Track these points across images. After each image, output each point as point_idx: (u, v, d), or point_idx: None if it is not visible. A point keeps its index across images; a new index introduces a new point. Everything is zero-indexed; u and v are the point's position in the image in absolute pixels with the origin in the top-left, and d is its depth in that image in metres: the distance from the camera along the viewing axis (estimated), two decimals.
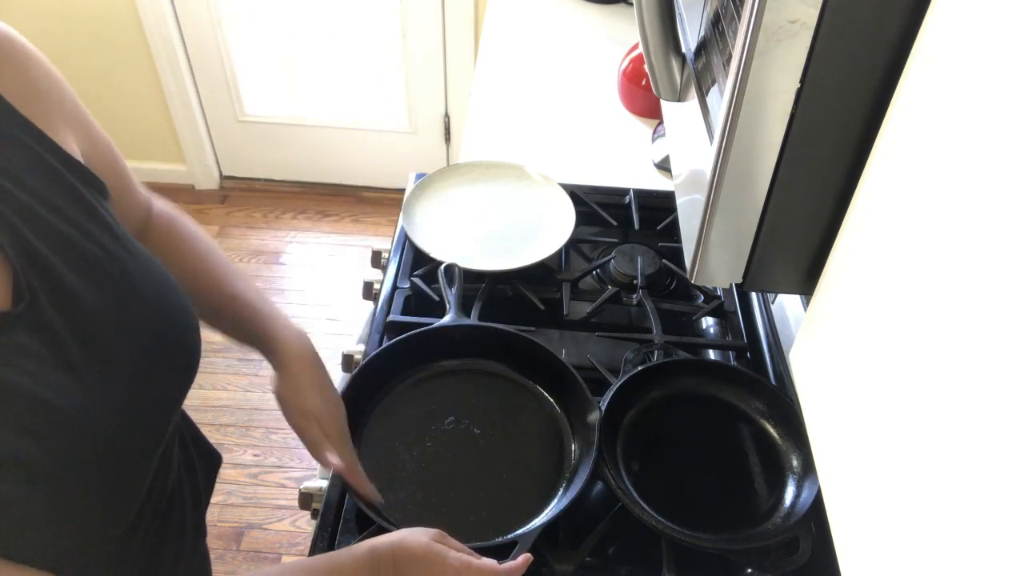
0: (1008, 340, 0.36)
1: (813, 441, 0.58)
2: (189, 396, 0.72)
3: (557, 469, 0.94)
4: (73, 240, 0.59)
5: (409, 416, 1.00)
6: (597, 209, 1.34)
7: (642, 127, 1.61)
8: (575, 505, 0.87)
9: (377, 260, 1.30)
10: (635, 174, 1.49)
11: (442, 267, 1.12)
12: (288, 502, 1.96)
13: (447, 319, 1.05)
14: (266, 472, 2.02)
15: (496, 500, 0.92)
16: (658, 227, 1.34)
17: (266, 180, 2.90)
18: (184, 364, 0.69)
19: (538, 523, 0.86)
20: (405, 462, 0.95)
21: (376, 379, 1.01)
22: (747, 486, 0.94)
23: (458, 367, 1.05)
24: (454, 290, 1.09)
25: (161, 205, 0.84)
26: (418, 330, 1.04)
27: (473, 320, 1.07)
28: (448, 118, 2.66)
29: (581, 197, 1.34)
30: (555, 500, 0.90)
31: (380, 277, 1.24)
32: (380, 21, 2.50)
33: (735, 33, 0.54)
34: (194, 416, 0.87)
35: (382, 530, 0.82)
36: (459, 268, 1.12)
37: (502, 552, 0.83)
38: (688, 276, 0.67)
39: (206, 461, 0.85)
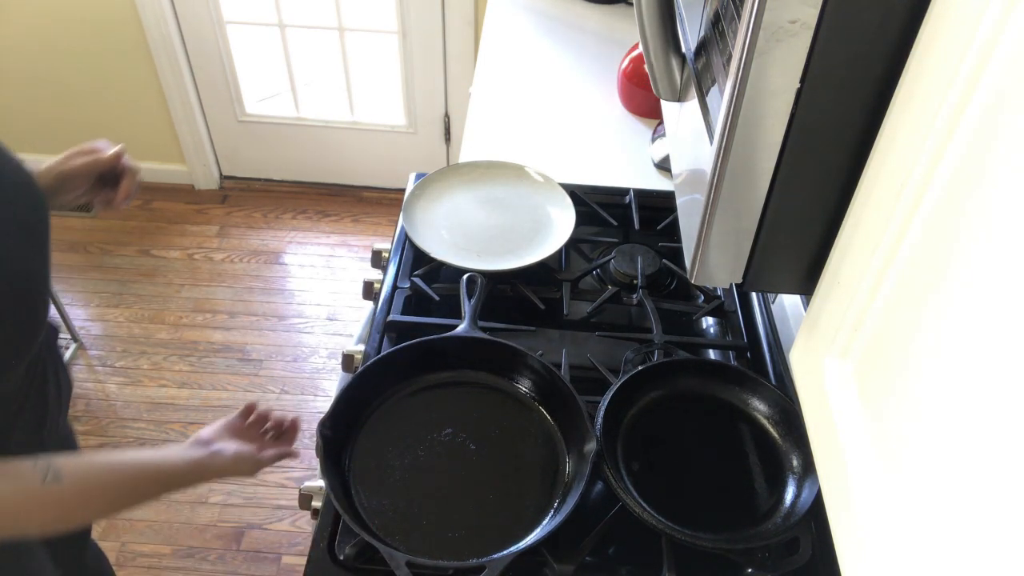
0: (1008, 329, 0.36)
1: (813, 443, 0.58)
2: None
3: (546, 496, 0.93)
4: None
5: (407, 423, 0.99)
6: (597, 209, 1.34)
7: (642, 127, 1.61)
8: (572, 513, 0.87)
9: (377, 260, 1.30)
10: (635, 174, 1.49)
11: (464, 277, 1.11)
12: (288, 502, 1.96)
13: (461, 329, 1.04)
14: (266, 472, 2.01)
15: (478, 519, 0.90)
16: (658, 227, 1.34)
17: (266, 180, 2.90)
18: (41, 213, 0.85)
19: (513, 550, 0.84)
20: (395, 468, 0.94)
21: (379, 381, 1.00)
22: (747, 486, 0.94)
23: (464, 379, 1.04)
24: (473, 301, 1.08)
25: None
26: (429, 337, 1.03)
27: (486, 334, 1.05)
28: (448, 118, 2.66)
29: (581, 197, 1.34)
30: (537, 529, 0.89)
31: (380, 277, 1.24)
32: (380, 20, 2.50)
33: (735, 33, 0.54)
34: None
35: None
36: (482, 279, 1.11)
37: (471, 574, 0.82)
38: (688, 276, 0.67)
39: (66, 377, 0.99)
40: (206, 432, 0.93)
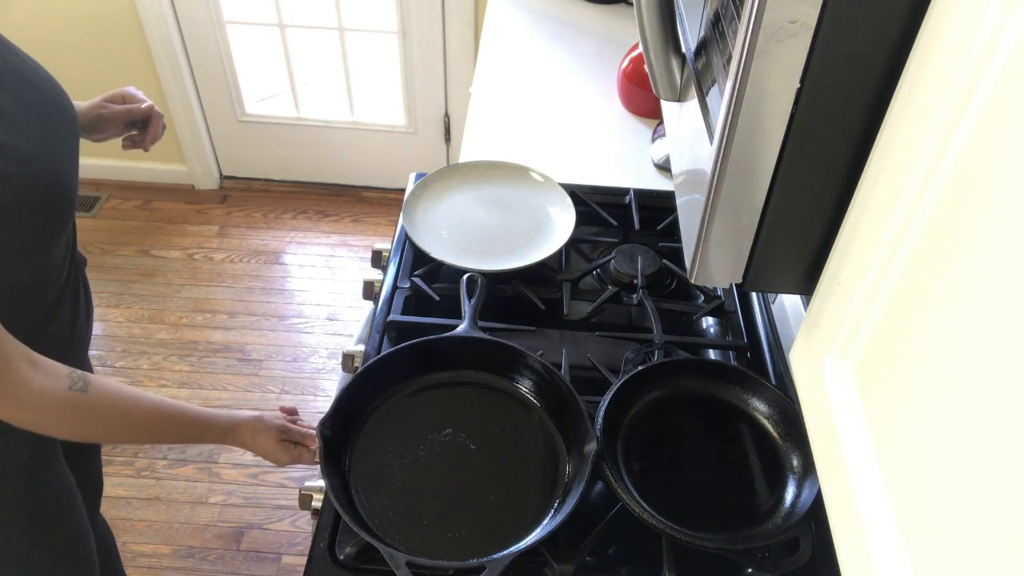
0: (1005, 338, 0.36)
1: (813, 443, 0.58)
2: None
3: (547, 496, 0.92)
4: None
5: (407, 423, 0.99)
6: (597, 209, 1.34)
7: (642, 127, 1.61)
8: (572, 513, 0.87)
9: (377, 260, 1.30)
10: (635, 174, 1.49)
11: (464, 277, 1.11)
12: (288, 502, 1.96)
13: (461, 329, 1.04)
14: (266, 472, 2.02)
15: (478, 519, 0.90)
16: (658, 227, 1.34)
17: (266, 180, 2.90)
18: (68, 113, 0.93)
19: (513, 550, 0.84)
20: (395, 469, 0.94)
21: (379, 381, 1.00)
22: (747, 486, 0.94)
23: (464, 379, 1.04)
24: (473, 301, 1.08)
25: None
26: (429, 337, 1.03)
27: (486, 334, 1.05)
28: (448, 118, 2.66)
29: (581, 197, 1.34)
30: (537, 529, 0.88)
31: (380, 277, 1.24)
32: (380, 20, 2.50)
33: (735, 33, 0.54)
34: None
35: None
36: (482, 279, 1.11)
37: (471, 574, 0.82)
38: (688, 276, 0.67)
39: (88, 299, 1.09)
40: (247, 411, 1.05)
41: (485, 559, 0.83)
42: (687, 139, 0.72)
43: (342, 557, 0.88)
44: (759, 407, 1.01)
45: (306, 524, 1.92)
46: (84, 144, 1.12)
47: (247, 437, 1.02)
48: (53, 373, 0.82)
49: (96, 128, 1.12)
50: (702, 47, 0.67)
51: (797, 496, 0.91)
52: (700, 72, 0.68)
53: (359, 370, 1.00)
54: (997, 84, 0.39)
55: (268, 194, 2.86)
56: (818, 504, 0.87)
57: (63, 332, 0.99)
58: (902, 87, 0.49)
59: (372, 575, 0.87)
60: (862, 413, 0.51)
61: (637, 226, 1.33)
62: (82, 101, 1.10)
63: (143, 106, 1.14)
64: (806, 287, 0.63)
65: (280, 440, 1.04)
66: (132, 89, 1.15)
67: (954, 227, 0.42)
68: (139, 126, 1.16)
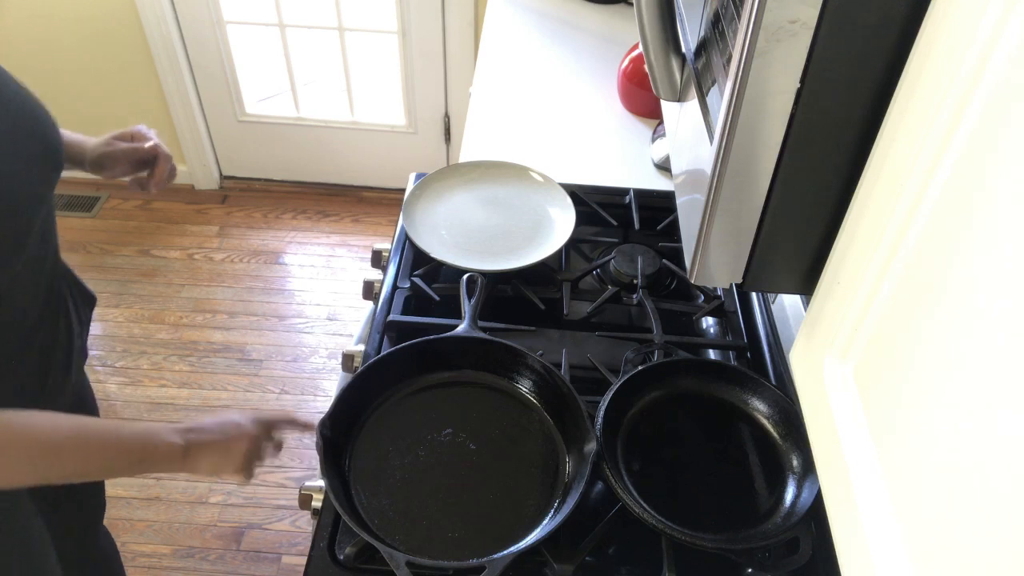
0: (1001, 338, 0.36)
1: (813, 443, 0.58)
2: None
3: (547, 496, 0.92)
4: None
5: (407, 423, 0.99)
6: (597, 209, 1.34)
7: (642, 127, 1.61)
8: (572, 513, 0.87)
9: (377, 260, 1.30)
10: (635, 174, 1.49)
11: (464, 277, 1.11)
12: (288, 502, 1.96)
13: (461, 329, 1.04)
14: (266, 472, 2.02)
15: (478, 519, 0.90)
16: (658, 227, 1.34)
17: (266, 180, 2.90)
18: (43, 138, 0.91)
19: (513, 550, 0.84)
20: (395, 468, 0.94)
21: (379, 381, 1.00)
22: (747, 486, 0.94)
23: (464, 379, 1.04)
24: (473, 301, 1.08)
25: None
26: (429, 337, 1.03)
27: (486, 334, 1.05)
28: (448, 118, 2.66)
29: (581, 197, 1.34)
30: (537, 529, 0.88)
31: (380, 277, 1.24)
32: (380, 20, 2.51)
33: (735, 33, 0.54)
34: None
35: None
36: (482, 279, 1.11)
37: (471, 574, 0.83)
38: (688, 276, 0.67)
39: (84, 299, 1.08)
40: (208, 422, 0.92)
41: (485, 559, 0.83)
42: (687, 139, 0.72)
43: (342, 557, 0.88)
44: (759, 407, 1.01)
45: (306, 524, 1.92)
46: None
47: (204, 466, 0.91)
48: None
49: (103, 166, 1.08)
50: (702, 47, 0.67)
51: (797, 496, 0.91)
52: (700, 72, 0.68)
53: (359, 370, 1.00)
54: (997, 84, 0.39)
55: (268, 194, 2.86)
56: (818, 504, 0.87)
57: (46, 350, 0.97)
58: (902, 87, 0.49)
59: (372, 575, 0.87)
60: (862, 413, 0.51)
61: (637, 226, 1.33)
62: (92, 137, 1.07)
63: (147, 145, 1.09)
64: (806, 287, 0.63)
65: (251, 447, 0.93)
66: (143, 128, 1.11)
67: (954, 227, 0.42)
68: (148, 167, 1.11)
